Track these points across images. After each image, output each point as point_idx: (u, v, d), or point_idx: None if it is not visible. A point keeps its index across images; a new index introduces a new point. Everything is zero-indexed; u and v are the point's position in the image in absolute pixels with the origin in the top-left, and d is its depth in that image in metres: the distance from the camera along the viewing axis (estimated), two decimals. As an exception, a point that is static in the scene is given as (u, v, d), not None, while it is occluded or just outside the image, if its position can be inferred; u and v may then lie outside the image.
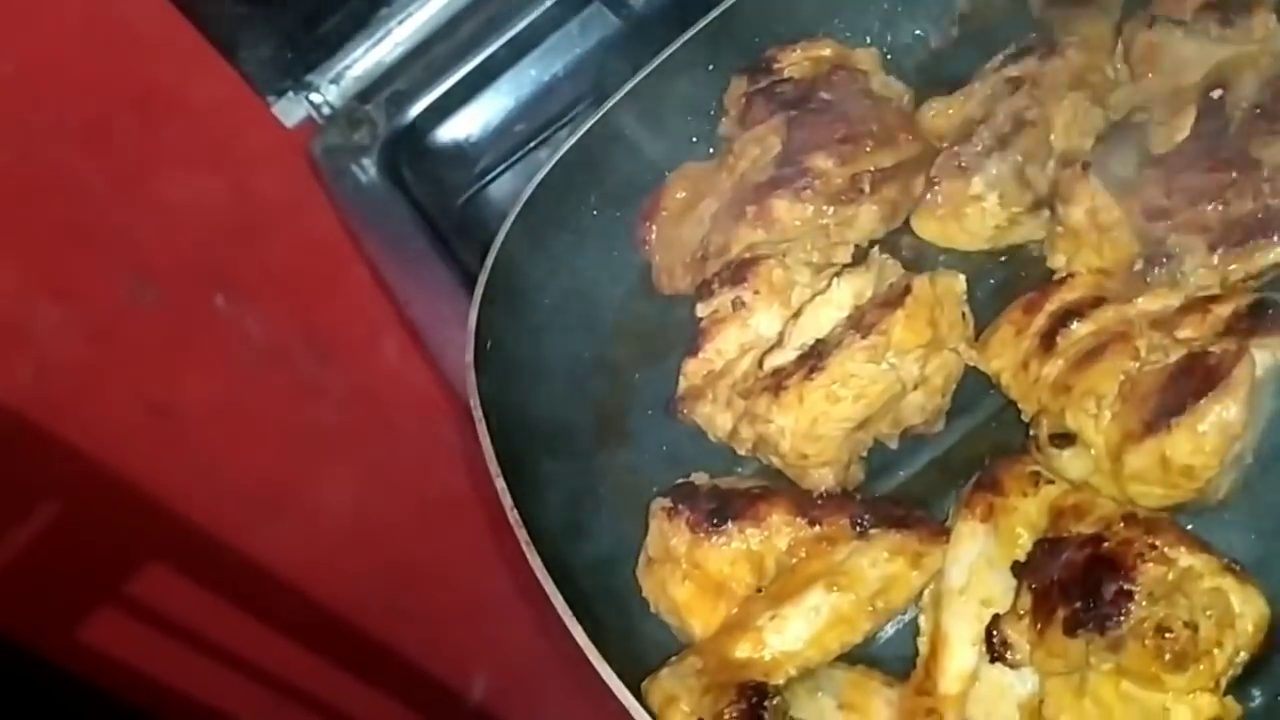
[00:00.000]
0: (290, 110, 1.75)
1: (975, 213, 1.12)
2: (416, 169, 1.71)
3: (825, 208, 1.13)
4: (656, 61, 1.25)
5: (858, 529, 0.96)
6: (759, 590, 0.97)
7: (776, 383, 0.98)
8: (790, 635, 0.92)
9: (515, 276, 1.22)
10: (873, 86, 1.22)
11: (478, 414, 1.07)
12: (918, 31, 1.31)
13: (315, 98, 1.73)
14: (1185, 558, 0.85)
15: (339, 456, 2.29)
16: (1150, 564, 0.83)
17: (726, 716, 0.85)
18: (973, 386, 1.06)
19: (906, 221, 1.18)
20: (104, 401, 2.02)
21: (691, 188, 1.24)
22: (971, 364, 1.04)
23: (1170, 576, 0.82)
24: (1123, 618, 0.80)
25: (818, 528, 0.97)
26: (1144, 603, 0.81)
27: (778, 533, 0.97)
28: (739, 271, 1.06)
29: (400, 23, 1.74)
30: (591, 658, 0.91)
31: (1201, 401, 0.88)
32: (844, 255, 1.10)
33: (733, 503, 0.99)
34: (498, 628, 2.69)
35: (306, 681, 2.51)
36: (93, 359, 1.98)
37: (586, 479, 1.16)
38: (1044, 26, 1.19)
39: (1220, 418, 0.87)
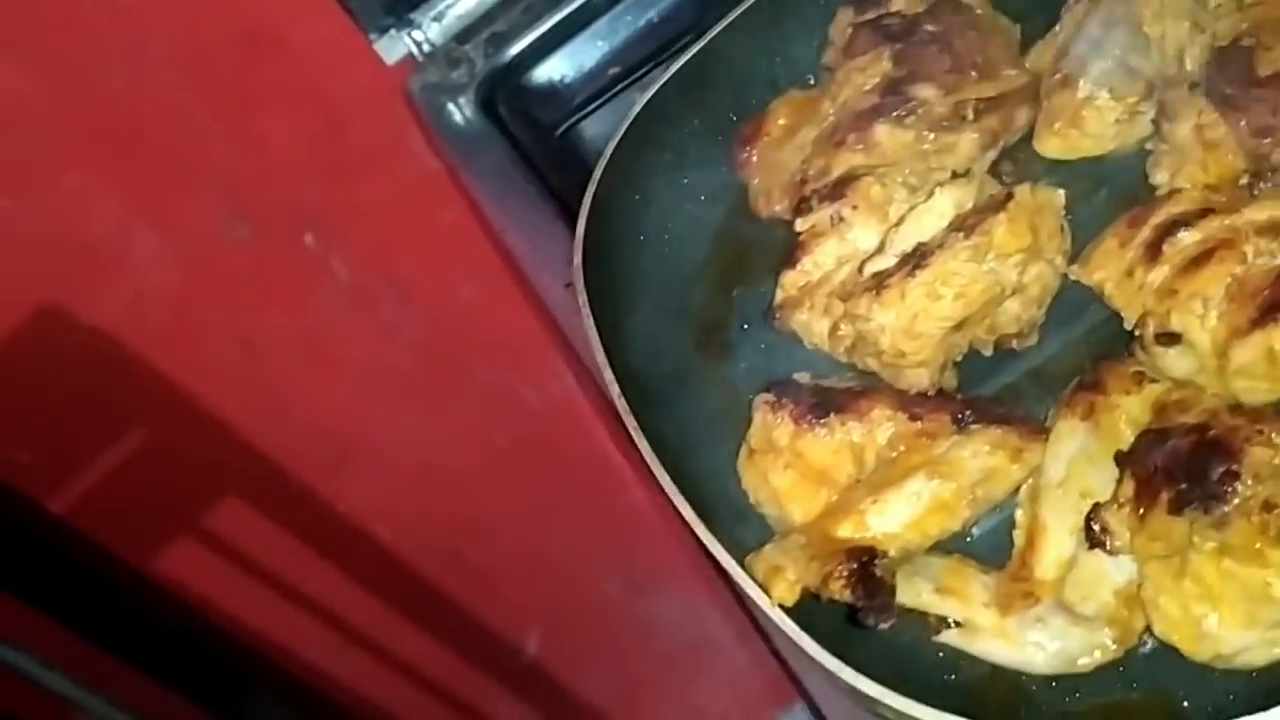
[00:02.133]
0: (392, 47, 1.80)
1: (1092, 114, 1.13)
2: (512, 108, 1.76)
3: (927, 133, 1.16)
4: None
5: (958, 424, 0.99)
6: (859, 481, 1.00)
7: (878, 283, 1.01)
8: (892, 518, 0.95)
9: (620, 191, 1.25)
10: (980, 20, 1.24)
11: (588, 322, 1.10)
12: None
13: (417, 35, 1.78)
14: (1291, 443, 0.86)
15: (413, 401, 2.34)
16: (1257, 447, 0.84)
17: (836, 575, 0.88)
18: (1070, 300, 1.08)
19: (1005, 148, 1.20)
20: (193, 333, 2.08)
21: (794, 114, 1.26)
22: (1073, 278, 1.06)
23: (1276, 460, 0.84)
24: (1230, 494, 0.83)
25: (919, 423, 0.99)
26: (1250, 482, 0.83)
27: (879, 426, 1.00)
28: (838, 188, 1.09)
29: (503, -37, 1.79)
30: (700, 533, 0.94)
31: None
32: (942, 178, 1.12)
33: (835, 397, 1.02)
34: (556, 584, 2.73)
35: (366, 624, 2.56)
36: (185, 290, 2.04)
37: (687, 389, 1.19)
38: None
39: None
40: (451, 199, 1.89)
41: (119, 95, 1.83)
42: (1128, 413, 0.95)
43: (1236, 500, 0.83)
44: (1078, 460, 0.95)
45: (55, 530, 1.89)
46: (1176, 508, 0.84)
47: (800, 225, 1.10)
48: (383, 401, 2.32)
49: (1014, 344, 1.08)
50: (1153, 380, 0.96)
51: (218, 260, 2.05)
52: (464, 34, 1.80)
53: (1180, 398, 0.93)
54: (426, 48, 1.79)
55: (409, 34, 1.78)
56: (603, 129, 1.67)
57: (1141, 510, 0.88)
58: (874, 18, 1.22)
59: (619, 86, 1.69)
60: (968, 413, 0.99)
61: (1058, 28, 1.20)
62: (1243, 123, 1.03)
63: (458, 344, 2.30)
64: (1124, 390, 0.96)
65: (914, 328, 1.00)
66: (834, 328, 1.06)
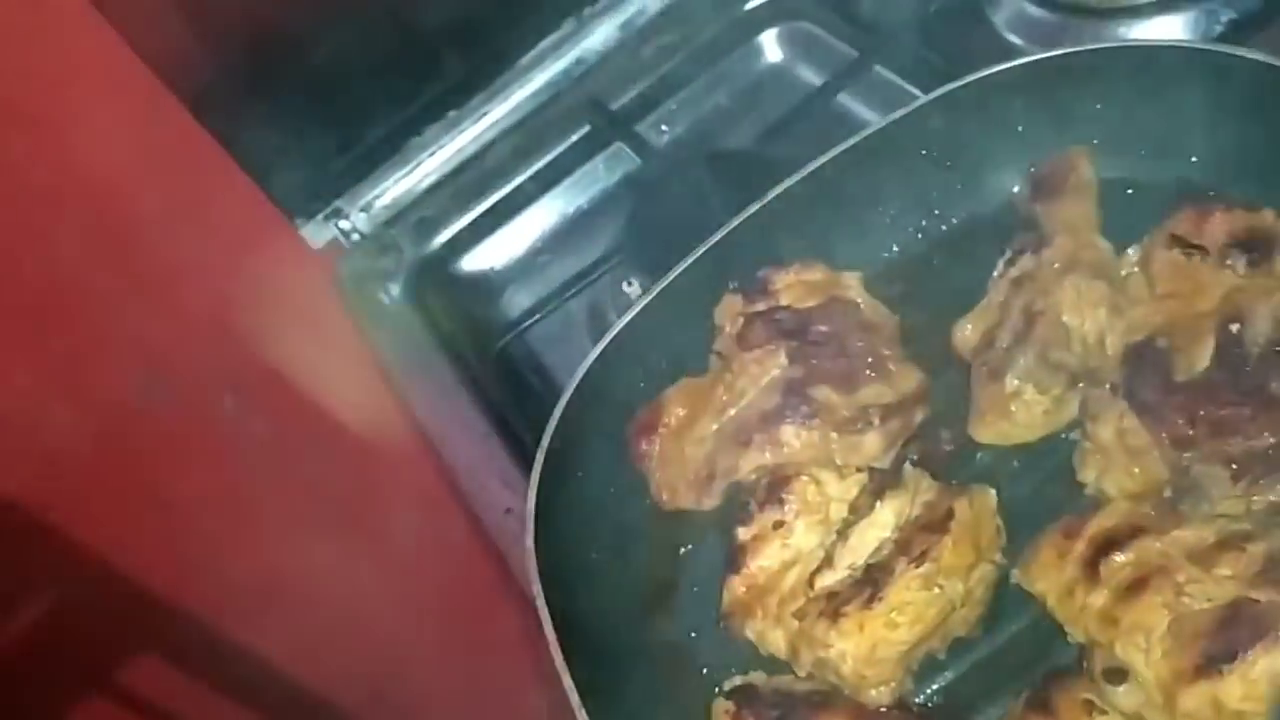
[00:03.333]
0: (318, 233, 1.80)
1: (1020, 407, 1.17)
2: (442, 297, 1.76)
3: (832, 434, 1.19)
4: (669, 279, 1.31)
5: None
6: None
7: (833, 609, 1.03)
8: None
9: (567, 451, 1.27)
10: (865, 315, 1.28)
11: (540, 604, 1.11)
12: (895, 248, 1.38)
13: (344, 224, 1.77)
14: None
15: (334, 549, 2.32)
16: None
17: None
18: (1012, 594, 1.12)
19: (947, 419, 1.24)
20: (106, 497, 2.04)
21: (690, 404, 1.28)
22: (1014, 580, 1.10)
23: None
24: None
25: None
26: None
27: None
28: (773, 493, 1.11)
29: (430, 153, 1.79)
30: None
31: (1251, 652, 0.92)
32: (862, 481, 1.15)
33: (796, 710, 1.04)
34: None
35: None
36: (99, 456, 1.99)
37: (636, 656, 1.20)
38: (1029, 223, 1.26)
39: (1269, 669, 0.92)
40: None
41: (31, 277, 1.79)
42: None
43: None
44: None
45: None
46: None
47: (743, 535, 1.12)
48: (305, 551, 2.29)
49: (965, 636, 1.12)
50: (1102, 711, 0.99)
51: (133, 425, 2.01)
52: (392, 220, 1.80)
53: None
54: (355, 236, 1.78)
55: (336, 222, 1.78)
56: (542, 336, 1.68)
57: None
58: (765, 310, 1.26)
59: (561, 298, 1.69)
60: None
61: (980, 308, 1.25)
62: (1163, 433, 1.08)
63: (381, 495, 2.28)
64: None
65: (874, 655, 1.03)
66: (793, 648, 1.08)
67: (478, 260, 1.80)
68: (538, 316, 1.65)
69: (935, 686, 1.11)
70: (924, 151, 1.35)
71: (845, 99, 1.68)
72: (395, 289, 1.77)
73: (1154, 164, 1.29)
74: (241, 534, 2.19)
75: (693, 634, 1.22)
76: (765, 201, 1.33)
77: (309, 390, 2.09)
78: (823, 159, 1.33)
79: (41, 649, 2.09)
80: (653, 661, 1.21)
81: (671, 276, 1.31)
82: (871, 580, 1.03)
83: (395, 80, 1.78)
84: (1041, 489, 1.17)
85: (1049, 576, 1.05)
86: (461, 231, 1.79)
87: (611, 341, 1.29)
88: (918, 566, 1.02)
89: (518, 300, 1.74)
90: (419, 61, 1.78)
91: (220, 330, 1.98)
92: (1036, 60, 1.31)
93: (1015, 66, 1.29)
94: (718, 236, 1.32)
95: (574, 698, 1.05)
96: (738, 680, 1.10)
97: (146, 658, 2.23)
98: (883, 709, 1.05)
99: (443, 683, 2.58)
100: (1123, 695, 0.98)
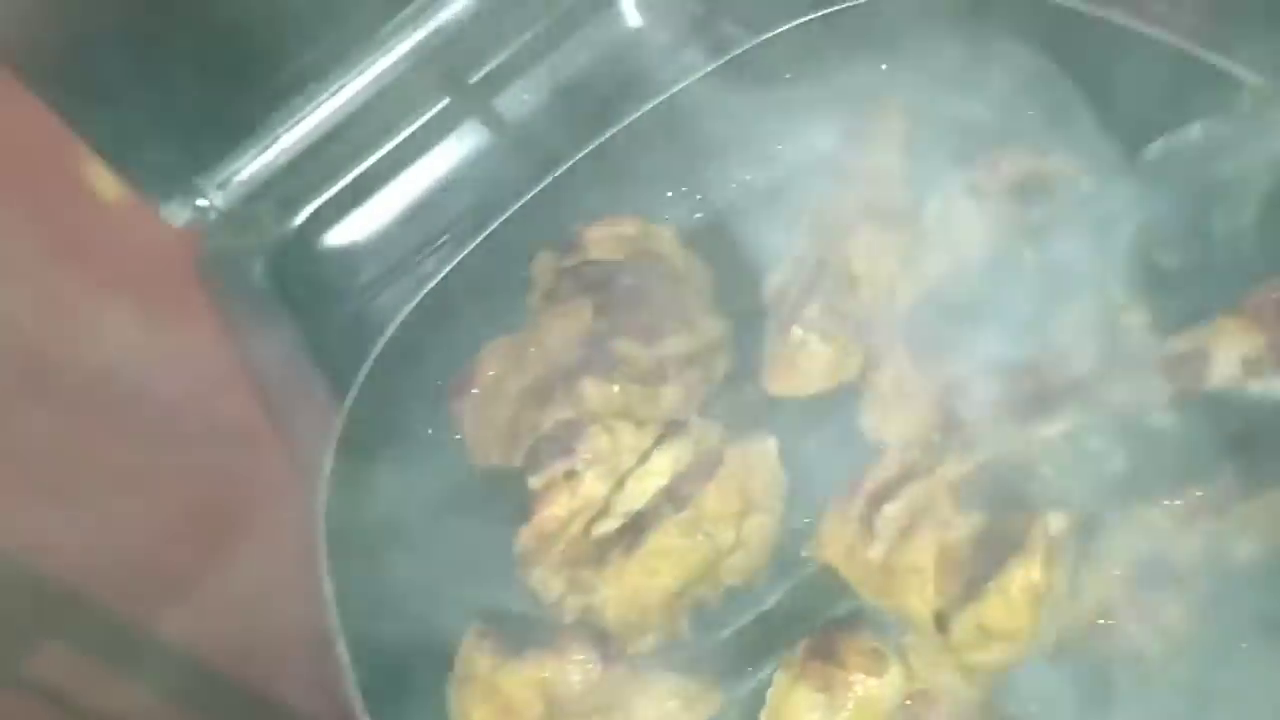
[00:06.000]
0: (179, 212, 1.79)
1: (805, 358, 1.18)
2: (303, 274, 1.76)
3: (632, 387, 1.19)
4: (482, 236, 1.31)
5: (642, 670, 1.03)
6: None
7: (600, 554, 1.04)
8: None
9: (375, 420, 1.27)
10: (674, 267, 1.28)
11: (325, 578, 1.12)
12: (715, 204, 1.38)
13: (201, 201, 1.76)
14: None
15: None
16: None
17: None
18: (794, 546, 1.12)
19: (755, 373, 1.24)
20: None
21: (502, 363, 1.28)
22: (805, 555, 1.09)
23: None
24: None
25: (608, 666, 1.03)
26: None
27: (573, 666, 1.03)
28: (565, 443, 1.11)
29: (289, 129, 1.78)
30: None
31: (1003, 567, 0.93)
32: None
33: (540, 633, 1.05)
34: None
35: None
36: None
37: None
38: (837, 175, 1.26)
39: (1024, 580, 0.93)
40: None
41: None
42: (868, 694, 0.96)
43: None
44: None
45: None
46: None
47: (534, 483, 1.12)
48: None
49: (743, 587, 1.11)
50: (889, 659, 0.98)
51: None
52: (252, 197, 1.79)
53: (923, 690, 0.96)
54: (213, 214, 1.77)
55: (194, 200, 1.77)
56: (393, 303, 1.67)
57: None
58: (574, 264, 1.25)
59: (414, 260, 1.69)
60: (651, 660, 1.03)
61: (787, 259, 1.24)
62: (936, 377, 1.08)
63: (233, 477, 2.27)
64: (863, 669, 0.97)
65: (636, 600, 1.03)
66: (563, 597, 1.08)
67: (339, 237, 1.79)
68: (389, 285, 1.64)
69: (716, 638, 1.11)
70: (741, 106, 1.34)
71: (694, 56, 1.67)
72: (256, 267, 1.76)
73: (959, 112, 1.28)
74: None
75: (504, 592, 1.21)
76: (578, 159, 1.33)
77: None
78: (634, 115, 1.33)
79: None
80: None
81: (482, 236, 1.31)
82: (637, 527, 1.03)
83: (253, 55, 1.76)
84: (830, 442, 1.17)
85: (836, 543, 1.05)
86: (321, 207, 1.78)
87: (424, 301, 1.28)
88: (678, 512, 1.01)
89: (371, 270, 1.73)
90: (276, 36, 1.77)
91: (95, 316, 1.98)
92: (841, 10, 1.30)
93: (813, 21, 1.28)
94: (532, 193, 1.32)
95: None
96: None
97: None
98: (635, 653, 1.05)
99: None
100: (908, 644, 0.99)
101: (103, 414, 1.95)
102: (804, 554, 1.09)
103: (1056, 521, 0.97)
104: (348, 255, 1.79)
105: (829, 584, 1.09)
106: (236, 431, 1.93)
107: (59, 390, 1.95)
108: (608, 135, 1.33)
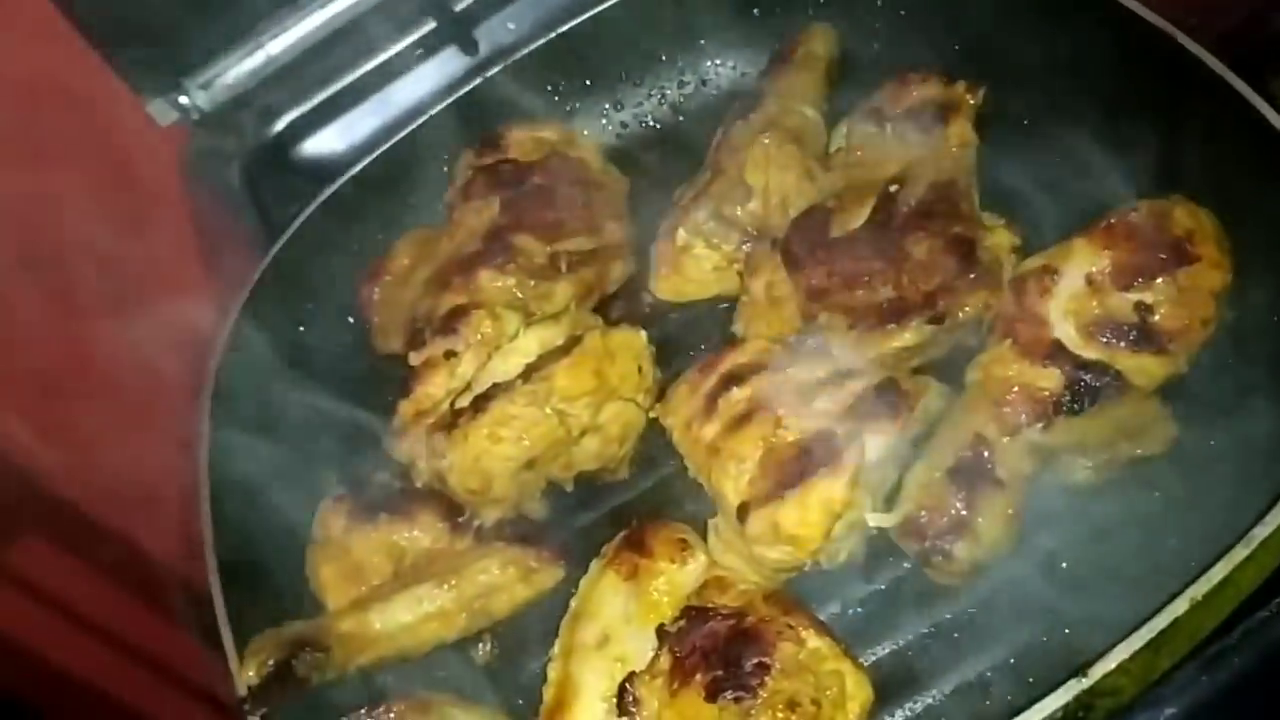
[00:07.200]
0: (164, 111, 1.84)
1: (690, 262, 1.19)
2: (278, 181, 1.80)
3: (526, 280, 1.21)
4: (412, 126, 1.37)
5: (480, 538, 1.06)
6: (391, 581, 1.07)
7: (452, 421, 1.06)
8: (391, 619, 1.02)
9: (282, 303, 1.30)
10: (591, 174, 1.29)
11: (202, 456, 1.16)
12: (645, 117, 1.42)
13: (184, 100, 1.81)
14: (813, 639, 0.92)
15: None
16: (787, 642, 0.90)
17: (258, 651, 0.99)
18: (658, 439, 1.13)
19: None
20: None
21: (415, 253, 1.31)
22: (654, 415, 1.11)
23: (801, 656, 0.90)
24: (759, 688, 0.87)
25: (455, 534, 1.08)
26: (778, 676, 0.88)
27: (423, 531, 1.08)
28: (450, 322, 1.13)
29: (274, 37, 1.83)
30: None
31: (810, 479, 0.95)
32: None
33: (393, 499, 1.09)
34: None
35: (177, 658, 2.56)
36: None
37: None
38: (755, 93, 1.27)
39: (825, 495, 0.94)
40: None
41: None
42: (670, 580, 0.99)
43: (765, 693, 0.87)
44: (617, 622, 0.98)
45: None
46: (712, 694, 0.88)
47: (414, 359, 1.14)
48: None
49: (605, 476, 1.13)
50: (692, 549, 1.00)
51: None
52: (237, 102, 1.84)
53: (719, 575, 0.97)
54: (195, 115, 1.82)
55: (178, 99, 1.82)
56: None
57: (675, 686, 0.92)
58: (491, 163, 1.27)
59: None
60: (490, 529, 1.06)
61: (701, 168, 1.25)
62: (802, 283, 1.08)
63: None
64: (668, 557, 0.99)
65: (478, 467, 1.05)
66: (416, 462, 1.10)
67: (319, 144, 1.83)
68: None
69: (570, 524, 1.12)
70: (669, 23, 1.36)
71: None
72: (232, 171, 1.81)
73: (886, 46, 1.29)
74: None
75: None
76: (508, 62, 1.35)
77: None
78: (571, 23, 1.35)
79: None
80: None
81: (409, 129, 1.33)
82: (487, 396, 1.05)
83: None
84: (708, 346, 1.18)
85: (680, 410, 1.07)
86: (303, 116, 1.82)
87: (339, 192, 1.31)
88: (526, 382, 1.03)
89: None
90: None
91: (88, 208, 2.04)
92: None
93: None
94: (461, 92, 1.35)
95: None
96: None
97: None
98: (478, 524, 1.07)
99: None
100: (711, 531, 0.99)
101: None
102: (651, 414, 1.10)
103: (874, 442, 0.97)
104: (319, 166, 1.83)
105: (688, 487, 1.10)
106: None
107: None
108: (543, 41, 1.35)
